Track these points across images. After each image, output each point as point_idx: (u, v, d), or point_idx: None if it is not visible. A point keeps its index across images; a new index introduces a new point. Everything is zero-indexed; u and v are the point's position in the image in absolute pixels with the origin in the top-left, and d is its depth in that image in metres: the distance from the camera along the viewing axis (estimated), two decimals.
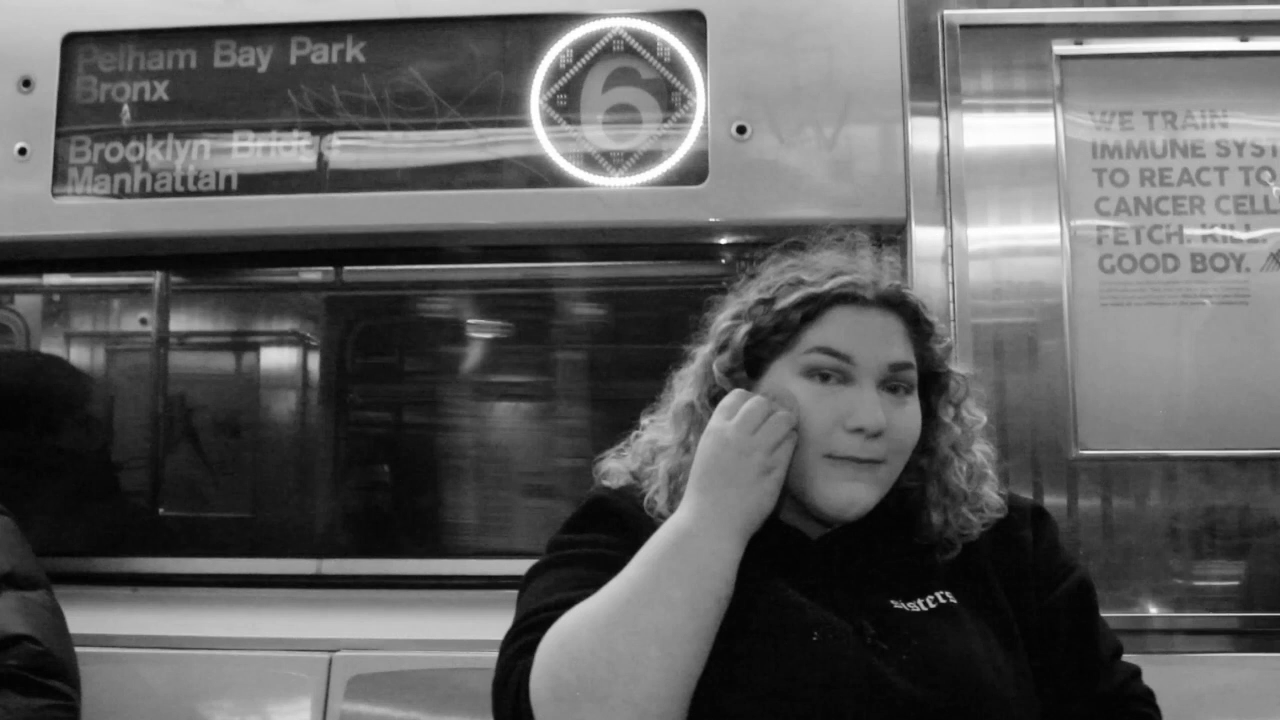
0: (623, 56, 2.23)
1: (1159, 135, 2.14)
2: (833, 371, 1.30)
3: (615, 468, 1.46)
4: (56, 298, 2.62)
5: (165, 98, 2.29)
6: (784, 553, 1.32)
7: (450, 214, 2.21)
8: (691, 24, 2.22)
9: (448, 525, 2.46)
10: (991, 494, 1.38)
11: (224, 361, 2.64)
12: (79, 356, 2.62)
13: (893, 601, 1.28)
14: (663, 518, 1.29)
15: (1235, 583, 2.02)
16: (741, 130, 2.17)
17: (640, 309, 2.47)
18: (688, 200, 2.17)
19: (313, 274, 2.56)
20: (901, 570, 1.33)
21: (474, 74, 2.24)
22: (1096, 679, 1.34)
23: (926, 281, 2.12)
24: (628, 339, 2.48)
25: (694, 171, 2.18)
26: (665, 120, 2.21)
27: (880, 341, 1.31)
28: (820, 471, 1.29)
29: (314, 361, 2.55)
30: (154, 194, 2.26)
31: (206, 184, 2.25)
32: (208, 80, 2.28)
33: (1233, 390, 2.05)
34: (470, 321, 2.56)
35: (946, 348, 1.39)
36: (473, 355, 2.55)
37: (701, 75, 2.20)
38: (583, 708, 1.14)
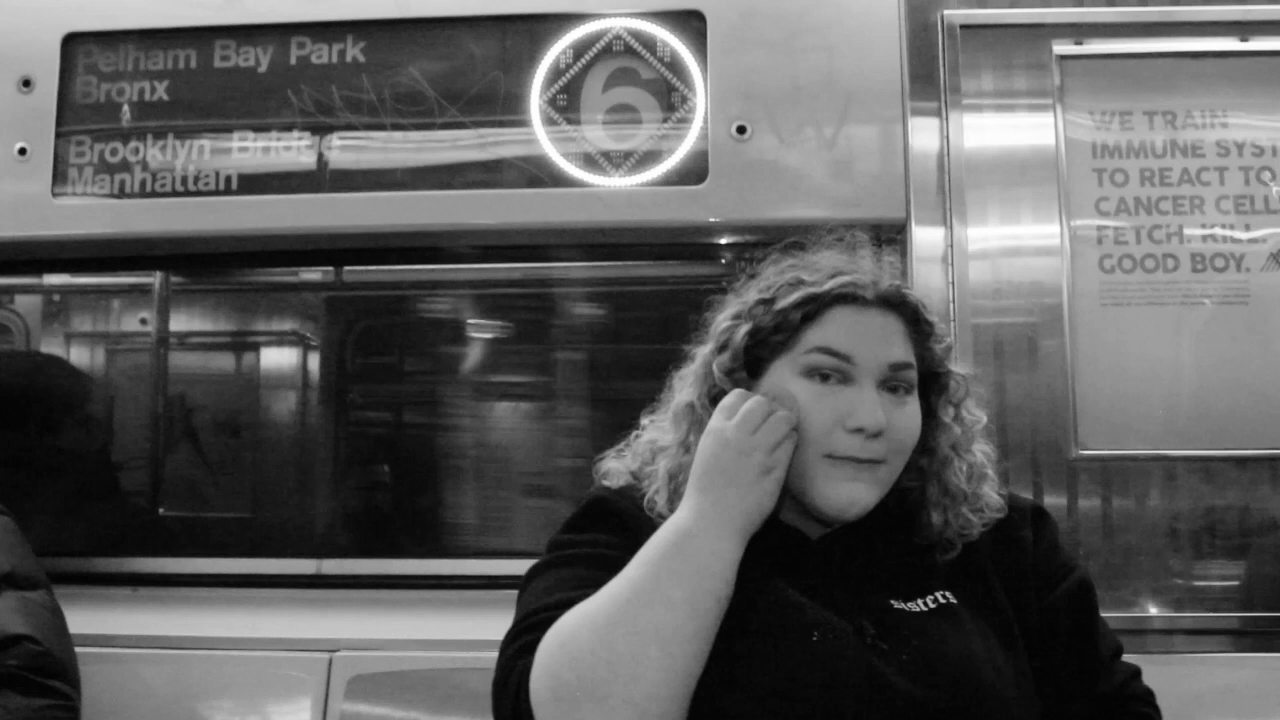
0: (623, 56, 2.23)
1: (1159, 135, 2.14)
2: (833, 371, 1.30)
3: (615, 468, 1.46)
4: (56, 298, 2.62)
5: (165, 98, 2.29)
6: (784, 553, 1.32)
7: (450, 214, 2.21)
8: (691, 24, 2.22)
9: (448, 525, 2.46)
10: (991, 494, 1.38)
11: (224, 361, 2.64)
12: (79, 356, 2.62)
13: (893, 601, 1.28)
14: (662, 518, 1.29)
15: (1235, 583, 2.02)
16: (741, 130, 2.17)
17: (640, 309, 2.47)
18: (688, 200, 2.17)
19: (313, 274, 2.56)
20: (901, 570, 1.33)
21: (474, 74, 2.24)
22: (1096, 679, 1.34)
23: (926, 281, 2.11)
24: (628, 339, 2.48)
25: (694, 171, 2.18)
26: (665, 120, 2.21)
27: (880, 341, 1.31)
28: (820, 471, 1.29)
29: (314, 361, 2.55)
30: (154, 194, 2.26)
31: (206, 184, 2.25)
32: (208, 80, 2.28)
33: (1233, 390, 2.05)
34: (470, 321, 2.56)
35: (946, 348, 1.39)
36: (473, 355, 2.55)
37: (701, 75, 2.20)
38: (583, 708, 1.14)
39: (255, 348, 2.60)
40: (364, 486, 2.54)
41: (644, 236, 2.24)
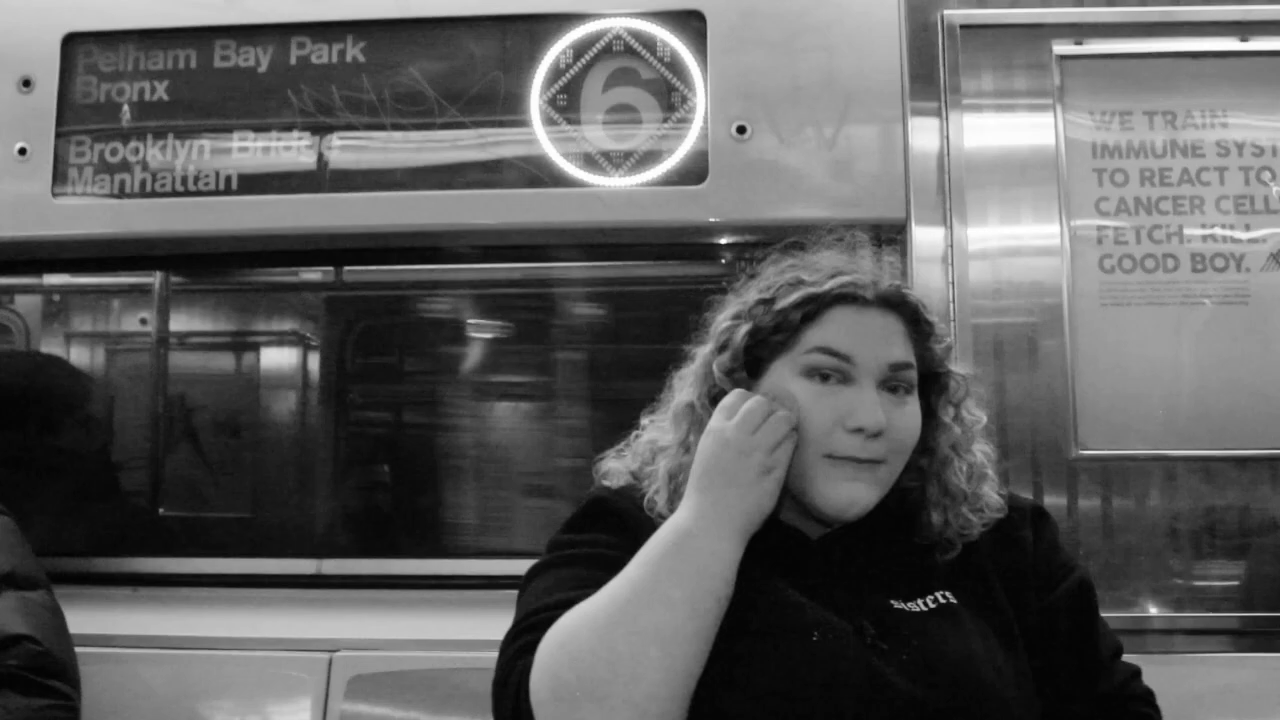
0: (623, 56, 2.23)
1: (1159, 135, 2.14)
2: (833, 371, 1.30)
3: (615, 468, 1.46)
4: (56, 297, 2.62)
5: (165, 98, 2.29)
6: (784, 553, 1.32)
7: (450, 214, 2.21)
8: (691, 24, 2.22)
9: (448, 525, 2.46)
10: (991, 494, 1.37)
11: (224, 361, 2.63)
12: (79, 356, 2.62)
13: (893, 601, 1.28)
14: (663, 517, 1.29)
15: (1235, 583, 2.02)
16: (741, 130, 2.17)
17: (640, 309, 2.47)
18: (688, 200, 2.17)
19: (313, 274, 2.56)
20: (902, 570, 1.33)
21: (474, 74, 2.24)
22: (1096, 679, 1.34)
23: (926, 281, 2.11)
24: (628, 339, 2.48)
25: (694, 171, 2.18)
26: (665, 120, 2.21)
27: (880, 341, 1.31)
28: (820, 471, 1.29)
29: (314, 361, 2.55)
30: (154, 194, 2.26)
31: (206, 184, 2.25)
32: (208, 80, 2.28)
33: (1232, 390, 2.05)
34: (470, 321, 2.56)
35: (946, 348, 1.39)
36: (473, 355, 2.55)
37: (701, 75, 2.20)
38: (583, 708, 1.14)
39: (255, 348, 2.60)
40: (364, 486, 2.54)
41: (644, 236, 2.24)
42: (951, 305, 2.10)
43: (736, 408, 1.27)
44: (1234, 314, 2.08)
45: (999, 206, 2.14)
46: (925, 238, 2.14)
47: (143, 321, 2.54)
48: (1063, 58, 2.16)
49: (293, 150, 2.25)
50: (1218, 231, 2.11)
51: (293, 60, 2.27)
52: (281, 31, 2.27)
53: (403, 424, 2.64)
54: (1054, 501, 2.03)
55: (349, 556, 2.37)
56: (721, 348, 1.36)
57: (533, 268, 2.45)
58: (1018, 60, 2.17)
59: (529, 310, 2.54)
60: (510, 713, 1.21)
